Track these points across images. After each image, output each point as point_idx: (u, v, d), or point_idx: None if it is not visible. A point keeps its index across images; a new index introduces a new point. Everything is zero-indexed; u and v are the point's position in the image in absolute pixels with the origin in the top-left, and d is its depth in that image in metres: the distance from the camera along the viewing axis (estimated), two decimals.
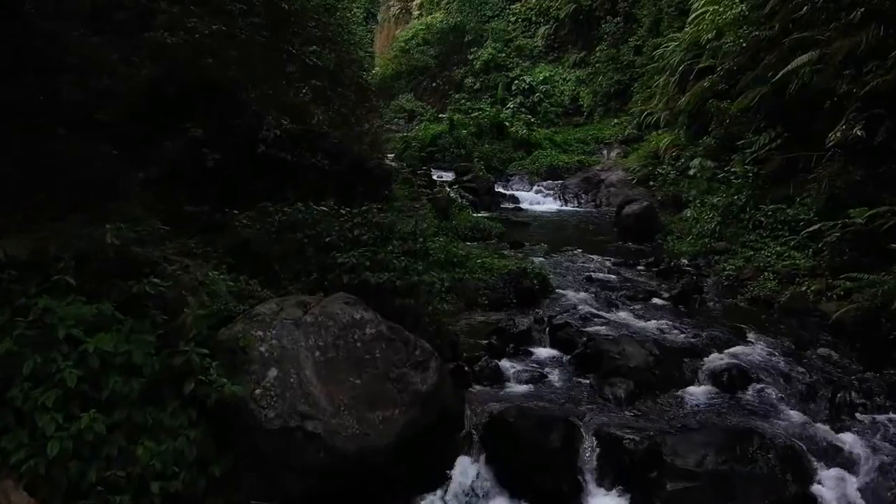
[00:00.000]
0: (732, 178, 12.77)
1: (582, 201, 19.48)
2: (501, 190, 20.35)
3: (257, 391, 5.04)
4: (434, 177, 20.42)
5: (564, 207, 19.22)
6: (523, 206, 19.22)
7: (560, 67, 31.18)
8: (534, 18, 33.40)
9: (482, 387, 7.14)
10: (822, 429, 6.14)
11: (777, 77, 11.74)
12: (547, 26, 32.48)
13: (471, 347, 7.86)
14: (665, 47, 19.92)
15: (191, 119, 10.82)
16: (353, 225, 7.82)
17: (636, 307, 9.58)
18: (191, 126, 10.58)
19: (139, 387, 4.51)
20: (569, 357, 7.87)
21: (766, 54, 13.49)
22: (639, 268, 11.67)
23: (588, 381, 7.26)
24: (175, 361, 4.74)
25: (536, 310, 9.37)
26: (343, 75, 14.77)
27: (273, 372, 5.35)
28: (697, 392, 7.08)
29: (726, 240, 11.77)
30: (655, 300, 9.94)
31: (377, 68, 39.21)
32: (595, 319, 8.95)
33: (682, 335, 8.42)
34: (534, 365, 7.67)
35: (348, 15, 17.95)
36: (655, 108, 21.29)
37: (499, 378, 7.30)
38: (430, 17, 36.29)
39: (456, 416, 6.11)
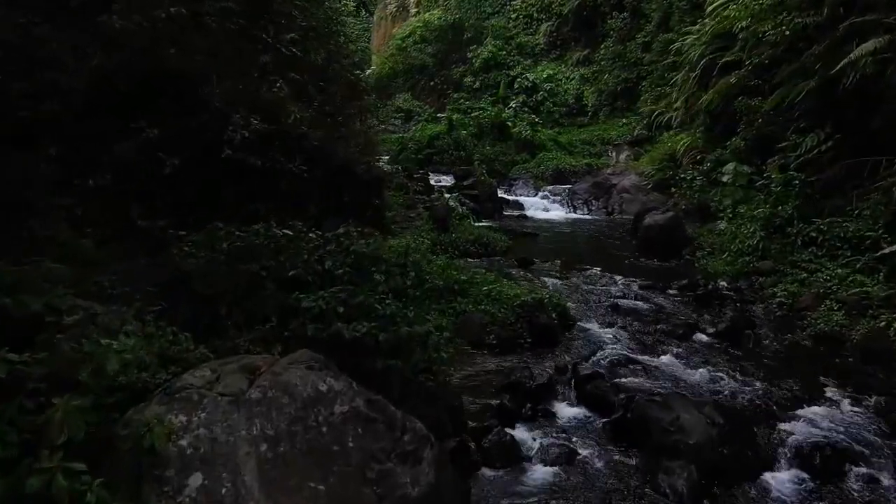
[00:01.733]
0: (772, 185, 10.85)
1: (592, 208, 17.55)
2: (504, 195, 18.41)
3: None
4: (432, 181, 18.50)
5: (573, 215, 17.29)
6: (529, 213, 17.29)
7: (563, 66, 29.21)
8: (535, 15, 31.40)
9: (493, 471, 5.26)
10: None
11: (833, 69, 9.77)
12: (549, 23, 30.49)
13: (478, 411, 5.96)
14: (682, 41, 17.99)
15: (146, 117, 8.99)
16: (326, 254, 5.90)
17: (677, 347, 7.67)
18: (146, 126, 8.77)
19: None
20: (604, 422, 5.98)
21: (809, 44, 11.57)
22: (670, 291, 9.75)
23: (633, 463, 5.37)
24: (30, 486, 2.85)
25: (556, 351, 7.48)
26: (331, 70, 12.83)
27: (196, 480, 3.51)
28: (783, 479, 5.20)
29: (772, 258, 9.86)
30: (699, 336, 8.04)
31: (374, 67, 37.32)
32: (630, 366, 7.06)
33: (745, 390, 6.51)
34: (559, 435, 5.77)
35: (338, 5, 15.92)
36: (671, 107, 19.36)
37: (515, 456, 5.42)
38: (427, 14, 34.28)
39: None
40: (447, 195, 16.89)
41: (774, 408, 6.08)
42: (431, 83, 32.33)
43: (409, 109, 30.63)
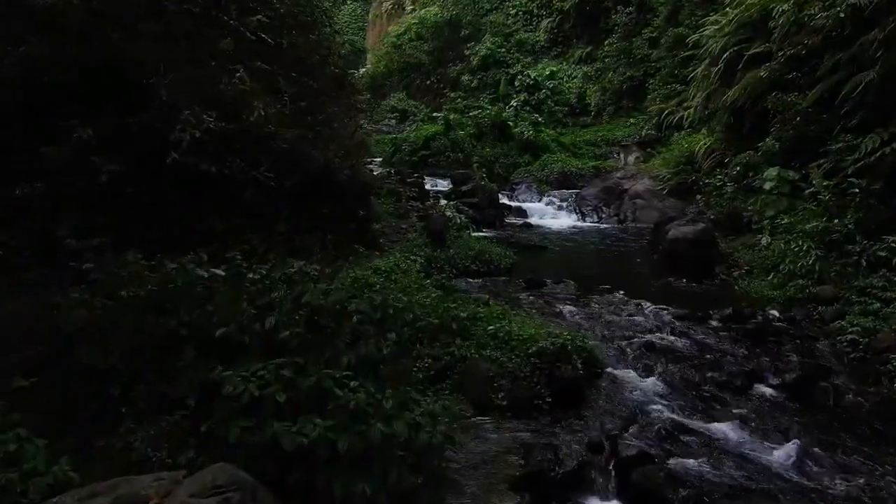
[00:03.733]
0: (823, 194, 9.07)
1: (602, 215, 15.72)
2: (506, 201, 16.58)
3: None
4: (427, 186, 16.65)
5: (582, 223, 15.46)
6: (533, 220, 15.46)
7: (565, 63, 27.37)
8: (535, 11, 29.55)
9: None
10: None
11: None
12: (550, 19, 28.63)
13: None
14: (701, 32, 16.16)
15: (80, 115, 7.28)
16: (268, 305, 4.08)
17: (738, 405, 5.88)
18: (78, 124, 7.02)
19: None
20: None
21: (860, 30, 9.78)
22: (712, 323, 7.94)
23: None
24: None
25: (583, 413, 5.68)
26: (311, 62, 10.98)
27: None
28: None
29: (832, 282, 8.07)
30: (761, 389, 6.23)
31: (368, 66, 35.45)
32: (683, 437, 5.26)
33: (843, 478, 4.71)
34: None
35: None
36: (682, 106, 17.59)
37: None
38: (423, 10, 32.39)
39: None
40: (443, 201, 15.07)
41: None
42: (428, 82, 30.50)
43: (405, 109, 28.78)
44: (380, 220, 11.40)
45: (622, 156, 20.06)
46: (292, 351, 3.72)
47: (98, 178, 6.90)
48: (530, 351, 5.96)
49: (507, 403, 5.63)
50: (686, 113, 19.16)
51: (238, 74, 7.81)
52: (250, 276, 4.25)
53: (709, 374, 6.40)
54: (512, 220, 15.43)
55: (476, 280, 9.82)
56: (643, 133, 20.94)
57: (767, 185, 10.32)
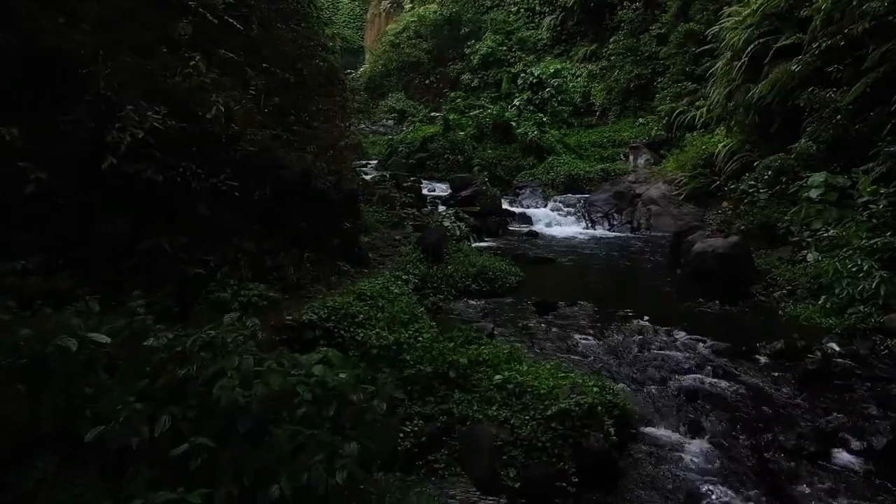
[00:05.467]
0: (875, 203, 7.67)
1: (614, 223, 14.30)
2: (509, 207, 15.17)
3: None
4: (425, 190, 15.26)
5: (592, 231, 14.05)
6: (539, 228, 14.07)
7: (568, 62, 25.94)
8: (538, 8, 28.13)
9: None
10: None
11: None
12: (553, 16, 27.20)
13: None
14: (721, 24, 14.71)
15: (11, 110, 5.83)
16: (176, 386, 2.65)
17: (818, 482, 4.47)
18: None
19: None
20: None
21: None
22: (760, 359, 6.54)
23: None
24: None
25: (620, 499, 4.27)
26: (293, 53, 9.56)
27: None
28: None
29: None
30: (843, 457, 4.81)
31: (366, 65, 34.05)
32: None
33: None
34: None
35: None
36: (694, 105, 16.20)
37: None
38: (422, 8, 30.97)
39: None
40: (441, 207, 13.68)
41: None
42: (426, 81, 29.10)
43: (403, 109, 27.40)
44: (370, 232, 10.00)
45: (631, 158, 18.63)
46: (195, 473, 2.32)
47: (24, 187, 5.57)
48: (550, 413, 4.55)
49: (521, 484, 4.23)
50: (699, 112, 17.78)
51: (192, 63, 6.40)
52: (151, 341, 2.83)
53: (772, 436, 4.99)
54: (516, 227, 14.04)
55: (478, 302, 8.42)
56: (653, 133, 19.58)
57: (814, 193, 8.90)
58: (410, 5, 33.70)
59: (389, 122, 27.28)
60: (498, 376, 5.08)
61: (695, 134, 17.50)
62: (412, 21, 30.47)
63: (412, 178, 15.80)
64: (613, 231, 13.97)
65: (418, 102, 28.41)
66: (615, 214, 14.41)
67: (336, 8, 41.81)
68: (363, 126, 25.28)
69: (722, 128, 15.08)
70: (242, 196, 6.72)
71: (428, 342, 5.36)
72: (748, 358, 6.54)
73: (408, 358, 5.22)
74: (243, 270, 6.51)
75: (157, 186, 6.09)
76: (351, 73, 31.95)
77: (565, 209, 14.97)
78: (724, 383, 5.95)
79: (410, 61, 29.37)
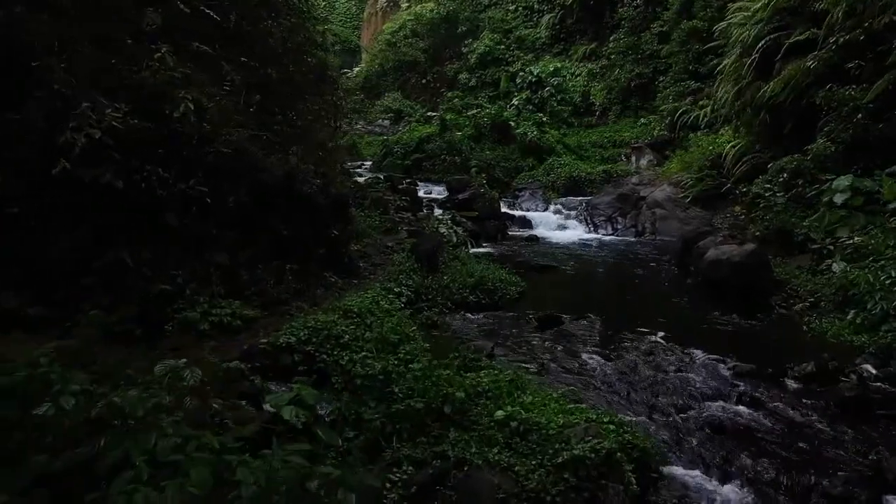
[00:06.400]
0: None
1: (618, 227, 13.62)
2: (508, 210, 14.50)
3: None
4: (420, 193, 14.59)
5: (594, 235, 13.37)
6: (539, 232, 13.39)
7: (567, 61, 25.24)
8: (536, 6, 27.41)
9: None
10: None
11: None
12: (552, 14, 26.48)
13: None
14: (729, 20, 14.03)
15: None
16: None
17: None
18: None
19: None
20: None
21: None
22: (789, 382, 5.87)
23: None
24: None
25: None
26: (280, 48, 8.84)
27: None
28: None
29: None
30: None
31: (362, 65, 33.35)
32: None
33: None
34: None
35: None
36: (707, 104, 15.55)
37: None
38: (419, 6, 30.26)
39: None
40: (438, 211, 13.00)
41: None
42: (423, 81, 28.40)
43: (399, 109, 26.72)
44: (361, 238, 9.31)
45: (634, 158, 17.97)
46: None
47: None
48: (561, 460, 3.87)
49: None
50: (703, 112, 17.14)
51: (157, 55, 5.69)
52: (43, 409, 2.13)
53: (814, 480, 4.32)
54: (515, 231, 13.36)
55: (477, 315, 7.73)
56: (655, 134, 18.93)
57: (839, 198, 8.23)
58: (407, 4, 32.99)
59: (386, 122, 26.61)
60: (500, 412, 4.40)
61: (699, 134, 16.87)
62: (409, 20, 29.78)
63: (408, 180, 15.12)
64: (617, 235, 13.29)
65: (415, 102, 27.73)
66: (619, 218, 13.73)
67: (333, 7, 41.13)
68: (359, 126, 24.66)
69: (728, 128, 14.44)
70: (216, 203, 6.03)
71: (420, 371, 4.66)
72: (776, 382, 5.86)
73: (397, 390, 4.52)
74: (215, 286, 5.81)
75: (118, 194, 5.40)
76: (347, 73, 31.26)
77: (566, 212, 14.30)
78: (752, 413, 5.28)
79: (407, 60, 28.69)
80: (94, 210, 5.34)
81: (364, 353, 5.30)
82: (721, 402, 5.46)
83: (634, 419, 5.06)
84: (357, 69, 32.84)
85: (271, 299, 6.37)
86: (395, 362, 4.82)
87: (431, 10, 29.00)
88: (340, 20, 40.50)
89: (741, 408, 5.38)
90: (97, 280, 5.34)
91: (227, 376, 4.49)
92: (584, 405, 4.88)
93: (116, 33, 5.98)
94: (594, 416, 4.46)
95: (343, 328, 5.67)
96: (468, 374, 5.13)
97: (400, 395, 4.52)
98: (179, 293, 5.60)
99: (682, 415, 5.26)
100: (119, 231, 5.48)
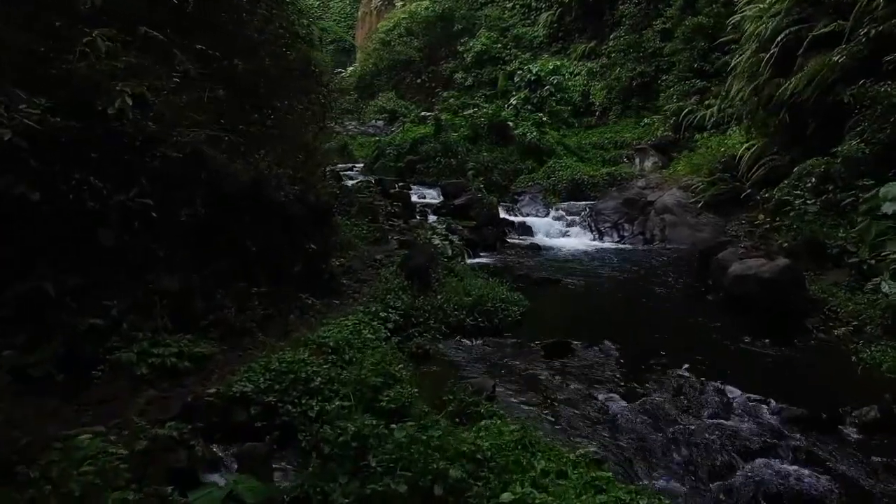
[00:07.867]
0: None
1: (624, 234, 12.61)
2: (507, 215, 13.48)
3: None
4: (414, 198, 13.55)
5: (600, 243, 12.37)
6: (541, 240, 12.38)
7: (566, 59, 24.22)
8: (534, 4, 26.39)
9: None
10: None
11: None
12: (550, 12, 25.47)
13: None
14: (743, 13, 13.00)
15: None
16: None
17: None
18: None
19: None
20: None
21: None
22: (849, 432, 4.86)
23: None
24: None
25: None
26: (254, 39, 7.78)
27: None
28: None
29: None
30: None
31: (356, 64, 32.29)
32: None
33: None
34: None
35: None
36: (713, 103, 14.56)
37: None
38: (414, 5, 29.21)
39: None
40: (432, 218, 11.97)
41: None
42: (418, 80, 27.36)
43: (394, 109, 25.66)
44: (345, 251, 8.27)
45: (637, 160, 16.97)
46: None
47: None
48: None
49: None
50: (709, 112, 16.17)
51: (86, 39, 4.63)
52: None
53: None
54: (515, 239, 12.34)
55: (475, 342, 6.70)
56: (658, 134, 17.95)
57: (889, 208, 7.23)
58: (402, 2, 31.92)
59: (379, 122, 25.56)
60: (507, 493, 3.37)
61: (706, 135, 15.92)
62: (404, 18, 28.73)
63: (400, 184, 14.09)
64: (624, 243, 12.29)
65: (410, 102, 26.69)
66: (625, 224, 12.73)
67: (327, 6, 40.08)
68: (351, 127, 23.57)
69: (739, 128, 13.46)
70: (164, 217, 4.99)
71: (404, 438, 3.61)
72: (832, 430, 4.86)
73: (374, 463, 3.48)
74: (160, 318, 4.76)
75: (37, 208, 4.37)
76: (341, 72, 30.18)
77: (569, 218, 13.30)
78: (811, 475, 4.25)
79: (402, 59, 27.65)
80: (3, 229, 4.29)
81: (338, 403, 4.29)
82: (772, 460, 4.44)
83: (669, 486, 4.05)
84: (351, 69, 31.80)
85: (232, 330, 5.32)
86: (373, 423, 3.77)
87: (427, 8, 27.95)
88: (335, 19, 39.44)
89: (795, 467, 4.36)
90: (10, 314, 4.30)
91: (156, 445, 3.45)
92: (609, 473, 3.86)
93: (44, 15, 4.93)
94: (626, 498, 3.44)
95: (314, 369, 4.64)
96: (464, 428, 4.11)
97: (378, 468, 3.48)
98: (114, 328, 4.55)
99: (727, 479, 4.23)
100: (38, 254, 4.42)
